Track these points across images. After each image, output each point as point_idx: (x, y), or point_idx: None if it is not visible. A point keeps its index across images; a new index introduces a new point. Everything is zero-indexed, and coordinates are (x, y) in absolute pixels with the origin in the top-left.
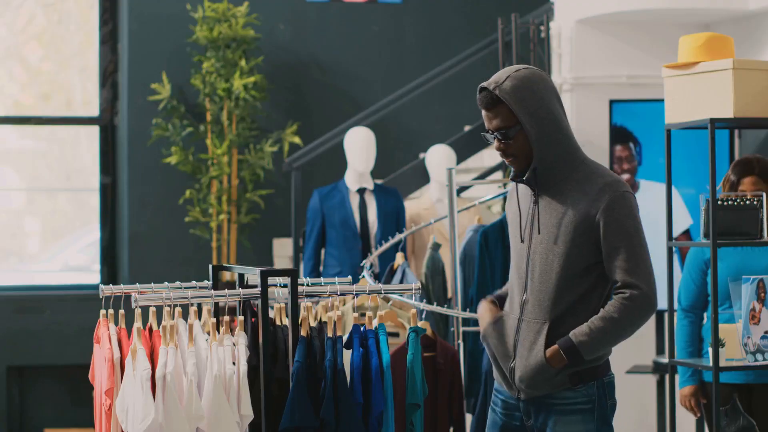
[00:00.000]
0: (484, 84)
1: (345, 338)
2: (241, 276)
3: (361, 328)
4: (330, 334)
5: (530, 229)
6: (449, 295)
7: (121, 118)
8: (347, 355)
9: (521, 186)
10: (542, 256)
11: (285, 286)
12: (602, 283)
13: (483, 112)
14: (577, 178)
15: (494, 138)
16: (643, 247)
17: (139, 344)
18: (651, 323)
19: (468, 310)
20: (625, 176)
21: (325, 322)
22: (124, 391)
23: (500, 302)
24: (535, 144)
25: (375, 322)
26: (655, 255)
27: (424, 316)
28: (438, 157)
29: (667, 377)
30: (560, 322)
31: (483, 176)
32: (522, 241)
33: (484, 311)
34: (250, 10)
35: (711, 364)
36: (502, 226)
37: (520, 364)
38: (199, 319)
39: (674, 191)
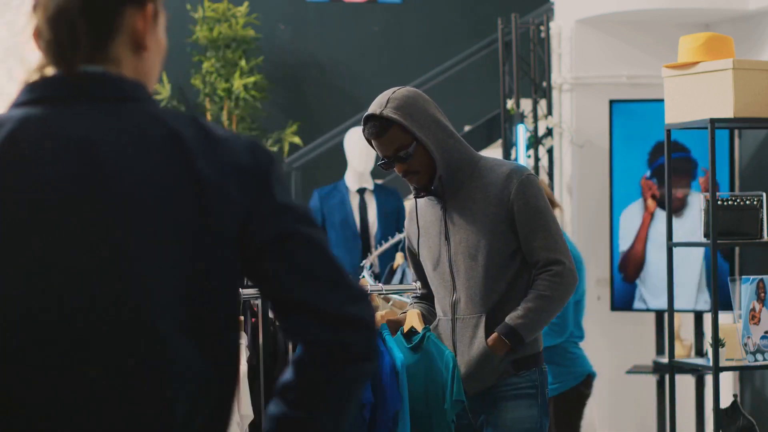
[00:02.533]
0: (369, 112)
1: None
2: None
3: None
4: None
5: (446, 234)
6: None
7: None
8: None
9: (420, 201)
10: (465, 255)
11: None
12: (527, 267)
13: (375, 143)
14: (481, 174)
15: (395, 162)
16: (557, 224)
17: None
18: (651, 323)
19: None
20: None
21: None
22: None
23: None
24: (436, 153)
25: (377, 321)
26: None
27: None
28: None
29: (667, 377)
30: (496, 312)
31: None
32: (439, 249)
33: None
34: (250, 10)
35: (711, 364)
36: None
37: (463, 360)
38: None
39: None
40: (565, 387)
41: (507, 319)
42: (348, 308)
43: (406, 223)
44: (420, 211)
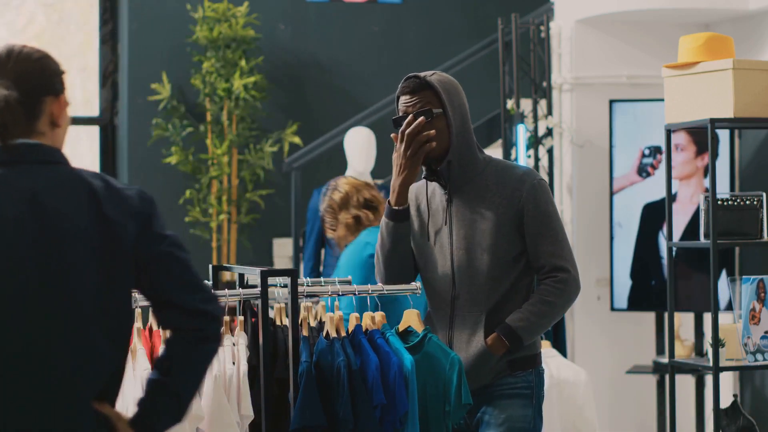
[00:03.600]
0: (412, 74)
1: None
2: (241, 276)
3: (365, 329)
4: (334, 334)
5: (450, 228)
6: None
7: (121, 118)
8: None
9: (431, 184)
10: (469, 251)
11: (285, 286)
12: (530, 271)
13: (404, 99)
14: (492, 172)
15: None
16: (564, 231)
17: (139, 344)
18: (651, 323)
19: None
20: None
21: (325, 322)
22: (123, 391)
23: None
24: (455, 136)
25: (378, 322)
26: None
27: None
28: None
29: (667, 377)
30: (496, 312)
31: None
32: (442, 240)
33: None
34: (250, 10)
35: (711, 364)
36: None
37: (459, 356)
38: None
39: None
40: None
41: (508, 320)
42: (203, 306)
43: (411, 201)
44: (430, 195)
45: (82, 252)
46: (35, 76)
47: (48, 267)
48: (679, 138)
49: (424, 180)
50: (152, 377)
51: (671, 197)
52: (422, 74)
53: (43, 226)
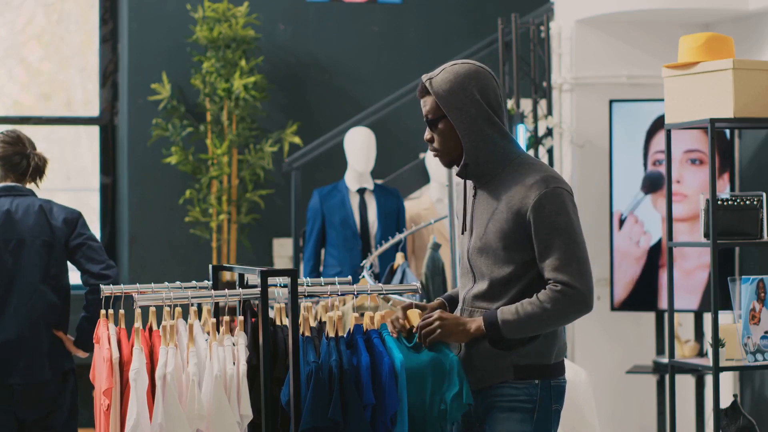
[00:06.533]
0: (425, 75)
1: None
2: (241, 276)
3: (364, 329)
4: (332, 334)
5: (470, 224)
6: None
7: (121, 118)
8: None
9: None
10: (480, 251)
11: (285, 286)
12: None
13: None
14: (512, 174)
15: (427, 125)
16: (577, 243)
17: (137, 343)
18: (651, 323)
19: None
20: None
21: (325, 322)
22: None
23: (451, 301)
24: (464, 140)
25: (377, 321)
26: None
27: None
28: None
29: (667, 377)
30: None
31: None
32: (462, 235)
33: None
34: (250, 10)
35: (711, 364)
36: None
37: (464, 353)
38: (199, 319)
39: None
40: None
41: (498, 310)
42: (104, 271)
43: (454, 200)
44: (467, 191)
45: (39, 245)
46: None
47: (25, 255)
48: (699, 144)
49: None
50: (83, 315)
51: (671, 197)
52: (426, 77)
53: (14, 230)
